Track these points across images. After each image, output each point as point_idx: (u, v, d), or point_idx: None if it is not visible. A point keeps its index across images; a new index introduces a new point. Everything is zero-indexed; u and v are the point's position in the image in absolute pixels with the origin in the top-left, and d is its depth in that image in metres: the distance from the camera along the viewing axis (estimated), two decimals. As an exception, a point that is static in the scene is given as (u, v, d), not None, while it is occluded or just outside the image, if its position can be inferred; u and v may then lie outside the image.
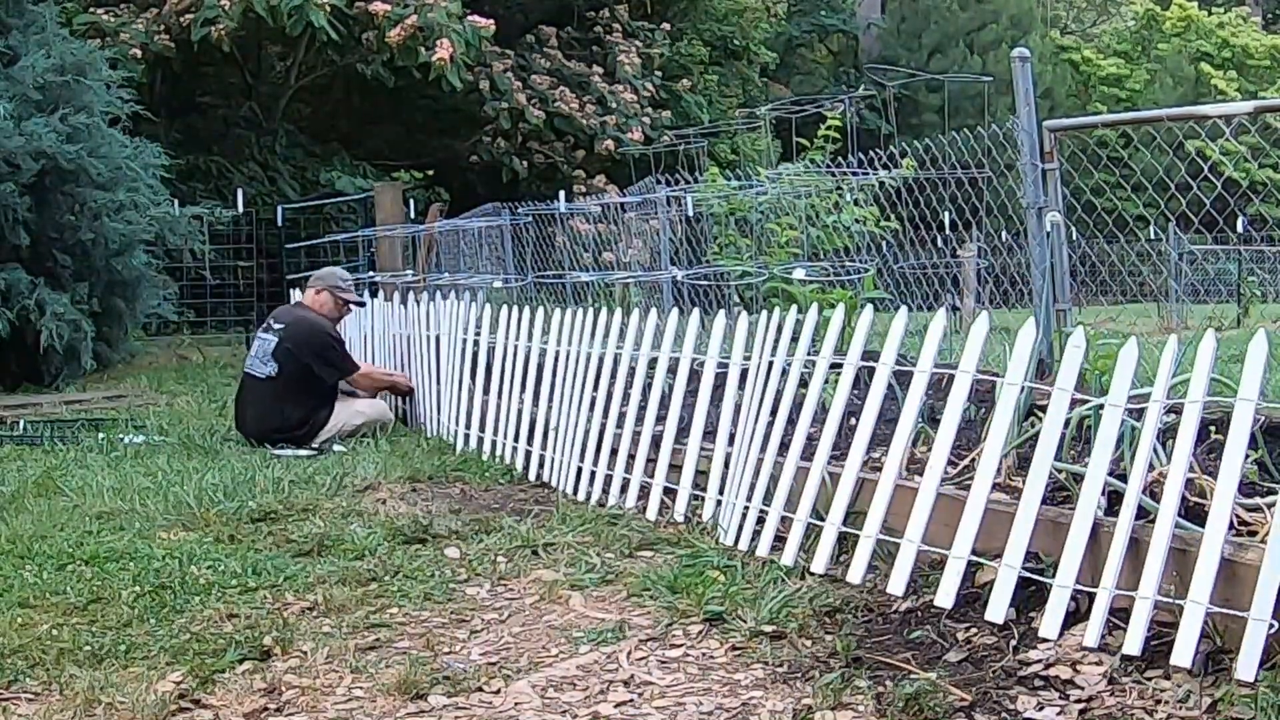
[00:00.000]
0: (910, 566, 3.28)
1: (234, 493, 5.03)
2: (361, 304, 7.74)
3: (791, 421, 3.94)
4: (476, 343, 6.27)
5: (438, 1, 14.19)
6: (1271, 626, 2.50)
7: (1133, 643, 2.70)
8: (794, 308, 4.24)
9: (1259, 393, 2.76)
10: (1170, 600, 2.70)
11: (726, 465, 4.21)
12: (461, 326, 6.44)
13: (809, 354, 4.05)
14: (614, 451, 4.83)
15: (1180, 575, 2.72)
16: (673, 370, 4.77)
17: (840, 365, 3.86)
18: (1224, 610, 2.60)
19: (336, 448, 6.49)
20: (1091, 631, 2.79)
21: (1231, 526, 2.74)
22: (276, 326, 6.87)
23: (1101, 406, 3.10)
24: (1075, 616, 2.91)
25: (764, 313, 4.38)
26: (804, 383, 4.02)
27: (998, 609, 3.01)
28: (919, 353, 3.59)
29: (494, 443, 5.80)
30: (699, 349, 4.68)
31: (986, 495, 3.20)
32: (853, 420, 3.82)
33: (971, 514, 3.18)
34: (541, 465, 5.34)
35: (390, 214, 9.91)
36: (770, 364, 4.17)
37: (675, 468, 4.50)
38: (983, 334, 3.45)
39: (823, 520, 3.60)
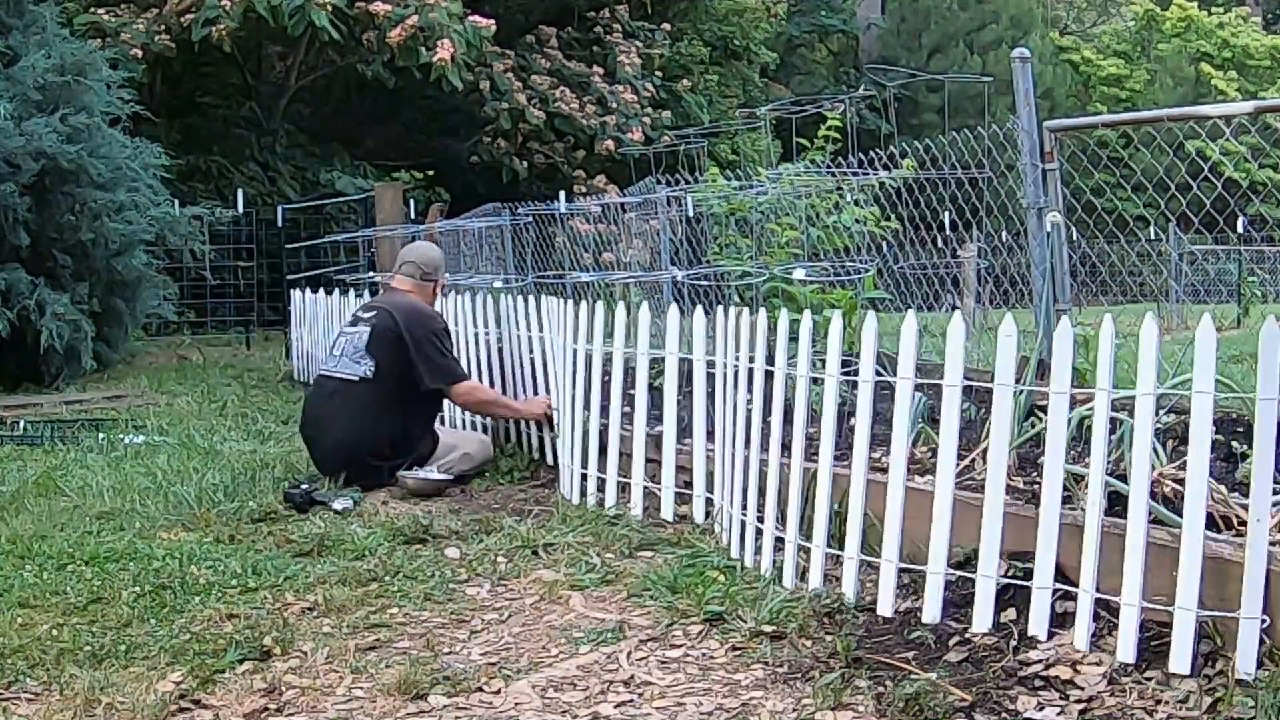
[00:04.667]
0: (894, 584, 3.22)
1: (234, 493, 5.04)
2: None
3: (790, 423, 3.94)
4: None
5: (438, 1, 14.18)
6: (1264, 622, 2.50)
7: (1125, 650, 2.70)
8: (784, 311, 4.23)
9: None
10: (1163, 607, 2.69)
11: (727, 466, 4.20)
12: (466, 322, 6.39)
13: (813, 356, 4.04)
14: (615, 452, 4.83)
15: (1175, 577, 2.72)
16: (673, 370, 4.76)
17: (846, 369, 3.86)
18: (1220, 613, 2.60)
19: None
20: (1079, 635, 2.79)
21: (1231, 527, 2.73)
22: (366, 315, 5.47)
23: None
24: (1073, 617, 2.90)
25: (763, 313, 4.37)
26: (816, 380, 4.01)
27: (983, 617, 2.99)
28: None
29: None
30: (701, 349, 4.66)
31: (988, 496, 3.19)
32: (851, 420, 3.81)
33: (946, 518, 3.15)
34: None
35: (390, 214, 9.91)
36: (770, 365, 4.15)
37: (676, 469, 4.50)
38: (1011, 341, 3.42)
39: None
